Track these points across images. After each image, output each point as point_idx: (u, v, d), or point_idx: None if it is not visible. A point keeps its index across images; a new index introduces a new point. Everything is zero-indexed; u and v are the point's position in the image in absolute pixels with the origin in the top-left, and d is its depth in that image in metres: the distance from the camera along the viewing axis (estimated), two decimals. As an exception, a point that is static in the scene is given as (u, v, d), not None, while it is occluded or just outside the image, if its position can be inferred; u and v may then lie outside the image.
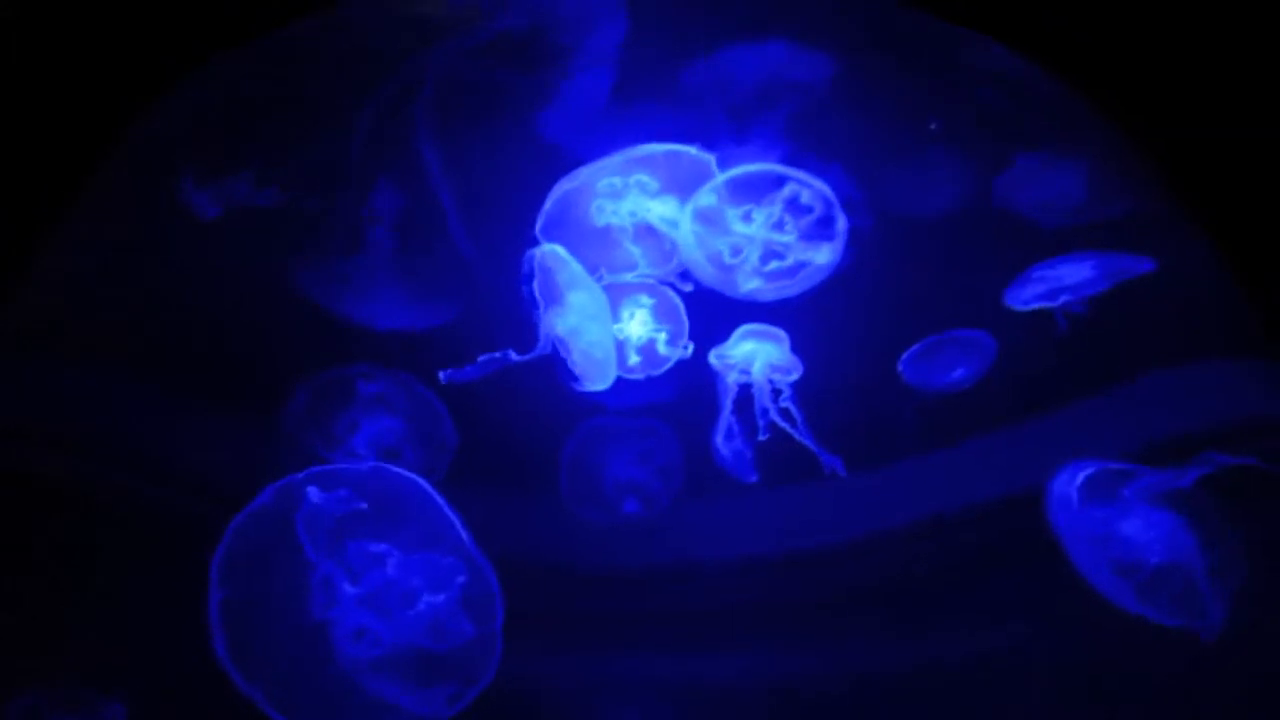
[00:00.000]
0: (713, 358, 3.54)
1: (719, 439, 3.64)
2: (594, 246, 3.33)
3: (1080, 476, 3.38)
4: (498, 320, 3.41)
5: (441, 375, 3.30)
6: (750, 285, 3.35)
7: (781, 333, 3.56)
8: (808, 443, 3.54)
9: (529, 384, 3.38)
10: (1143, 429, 3.44)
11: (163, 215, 3.09)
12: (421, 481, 2.93)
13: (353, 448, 3.54)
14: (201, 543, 2.79)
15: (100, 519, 3.23)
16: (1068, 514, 3.40)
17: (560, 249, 3.25)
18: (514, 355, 3.30)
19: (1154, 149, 3.18)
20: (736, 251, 3.30)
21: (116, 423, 3.31)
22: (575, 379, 3.42)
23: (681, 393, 3.64)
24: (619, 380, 3.50)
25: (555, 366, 3.39)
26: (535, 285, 3.29)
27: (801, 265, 3.35)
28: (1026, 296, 3.37)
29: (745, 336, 3.57)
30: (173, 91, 2.78)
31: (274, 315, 3.38)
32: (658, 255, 3.37)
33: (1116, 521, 3.33)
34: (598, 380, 3.45)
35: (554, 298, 3.31)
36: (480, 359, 3.28)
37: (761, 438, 3.52)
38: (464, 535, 2.92)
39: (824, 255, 3.35)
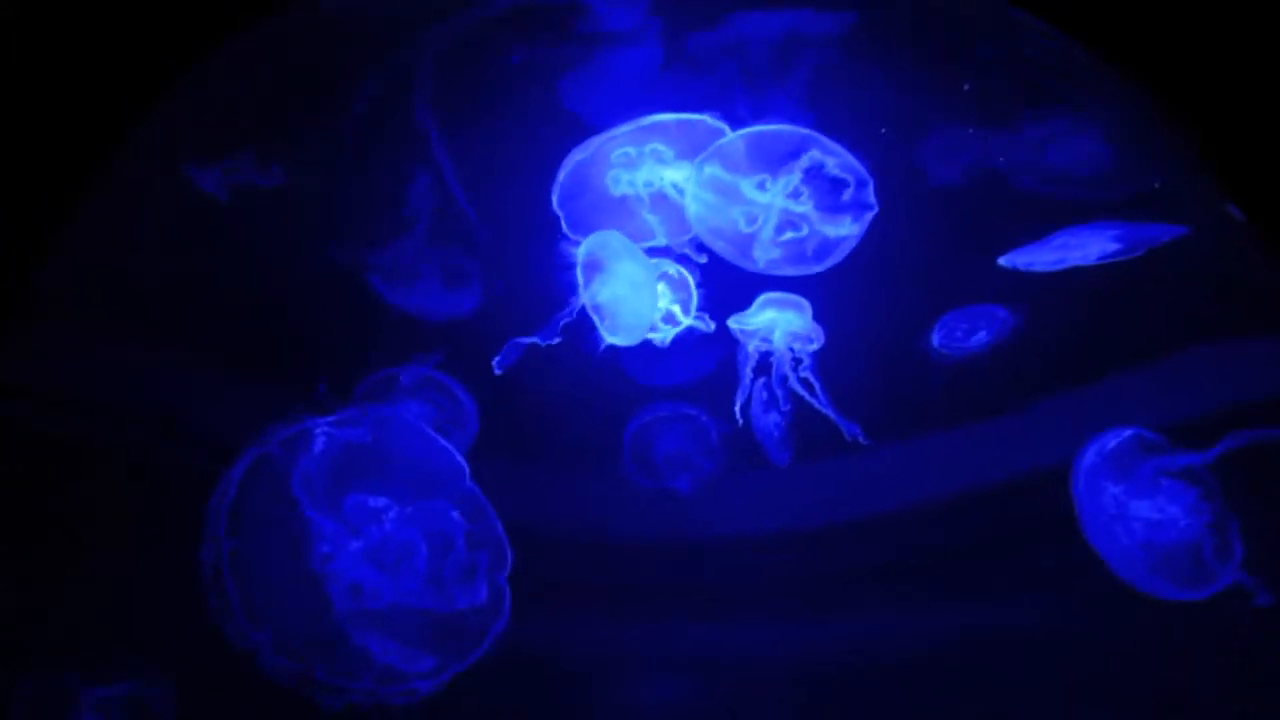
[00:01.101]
0: (732, 325, 3.52)
1: (751, 412, 3.63)
2: (610, 216, 3.32)
3: (1106, 449, 3.33)
4: (521, 295, 3.43)
5: (495, 364, 3.36)
6: (768, 257, 3.31)
7: (803, 301, 3.52)
8: (827, 411, 3.52)
9: (563, 361, 3.42)
10: (1171, 404, 3.38)
11: (173, 197, 3.13)
12: (426, 429, 2.98)
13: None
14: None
15: (121, 480, 3.33)
16: (1091, 487, 3.36)
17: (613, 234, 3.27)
18: (547, 332, 3.33)
19: (1185, 118, 3.08)
20: (752, 220, 3.26)
21: (140, 389, 3.40)
22: (608, 347, 3.42)
23: (711, 368, 3.63)
24: (654, 355, 3.50)
25: (589, 340, 3.39)
26: (579, 254, 3.30)
27: (821, 237, 3.31)
28: (1047, 260, 3.30)
29: (766, 304, 3.54)
30: (184, 72, 2.80)
31: (291, 291, 3.43)
32: (675, 225, 3.34)
33: (1139, 496, 3.27)
34: (630, 338, 3.45)
35: (599, 267, 3.31)
36: (518, 339, 3.33)
37: (782, 408, 3.50)
38: (470, 486, 2.97)
39: (845, 227, 3.30)
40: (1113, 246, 3.22)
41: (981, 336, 3.45)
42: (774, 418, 3.62)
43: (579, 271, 3.31)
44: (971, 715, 3.66)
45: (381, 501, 2.89)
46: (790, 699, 3.80)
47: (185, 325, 3.45)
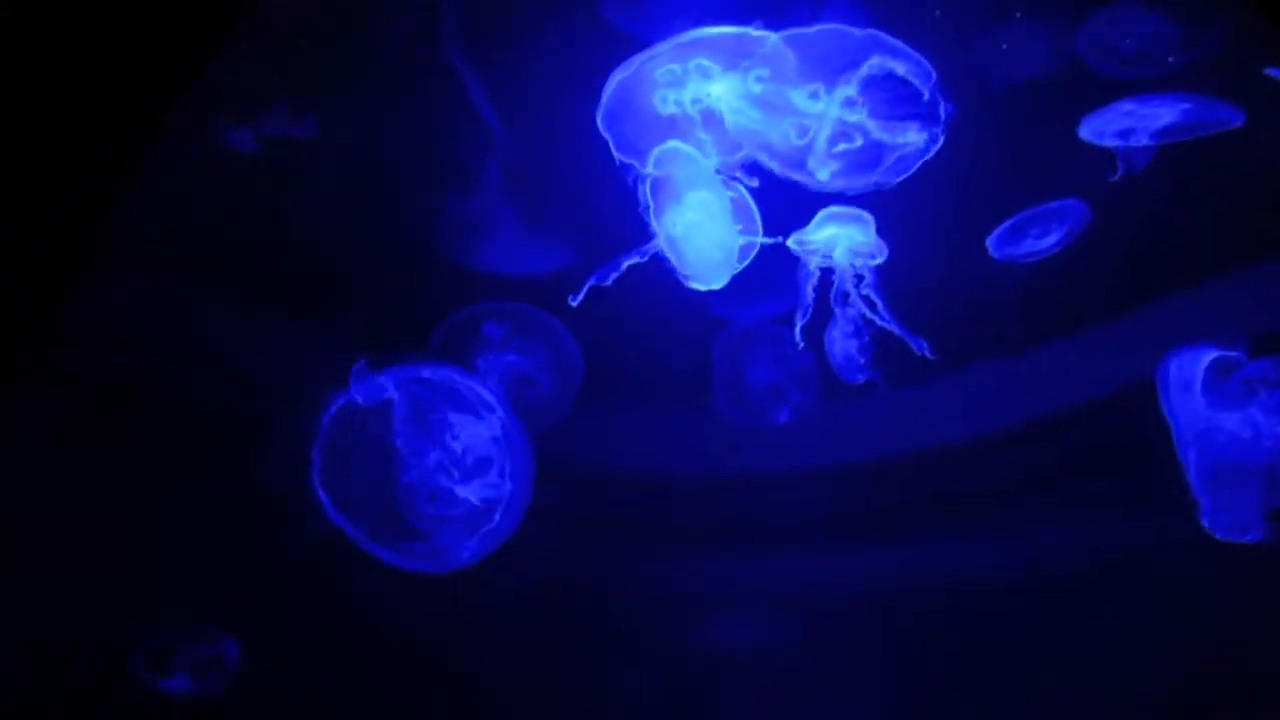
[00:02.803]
0: (792, 243, 3.42)
1: (827, 337, 3.55)
2: (661, 138, 3.23)
3: (1191, 363, 3.16)
4: (588, 234, 3.41)
5: (571, 299, 3.35)
6: (825, 172, 3.18)
7: (866, 214, 3.40)
8: (892, 327, 3.42)
9: (645, 298, 3.39)
10: (1249, 319, 3.21)
11: (221, 152, 3.16)
12: (467, 373, 3.28)
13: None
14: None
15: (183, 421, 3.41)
16: (1179, 399, 3.20)
17: (681, 145, 3.18)
18: (623, 264, 3.30)
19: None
20: (804, 132, 3.12)
21: (211, 338, 3.47)
22: (686, 280, 3.36)
23: (788, 294, 3.55)
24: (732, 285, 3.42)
25: (666, 276, 3.34)
26: (648, 185, 3.23)
27: (884, 148, 3.16)
28: (1106, 130, 3.11)
29: (827, 220, 3.43)
30: (227, 29, 2.79)
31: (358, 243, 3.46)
32: (726, 143, 3.24)
33: (1223, 412, 3.11)
34: (713, 280, 3.38)
35: (672, 196, 3.24)
36: (594, 276, 3.31)
37: (861, 333, 3.40)
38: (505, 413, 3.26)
39: (912, 135, 3.13)
40: (1181, 118, 3.02)
41: (1053, 239, 3.30)
42: (852, 344, 3.54)
43: (647, 188, 3.23)
44: (1042, 645, 3.59)
45: (463, 418, 3.19)
46: (859, 631, 3.76)
47: (250, 276, 3.50)
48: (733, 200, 3.35)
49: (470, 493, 3.18)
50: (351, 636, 3.53)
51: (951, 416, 3.74)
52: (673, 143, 3.19)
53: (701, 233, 3.28)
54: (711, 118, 3.22)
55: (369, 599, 3.37)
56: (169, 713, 3.45)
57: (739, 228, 3.36)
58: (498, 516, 3.24)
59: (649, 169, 3.21)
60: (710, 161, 3.25)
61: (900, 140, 3.13)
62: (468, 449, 3.20)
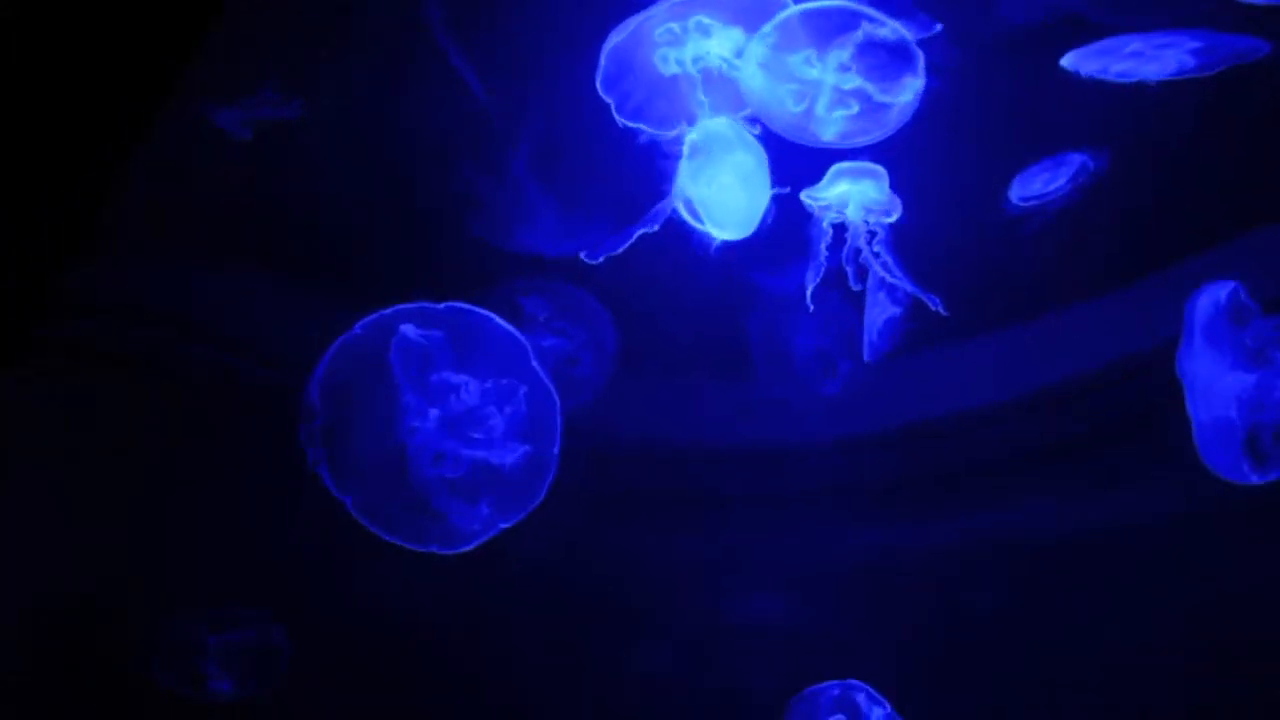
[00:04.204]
0: (804, 199, 3.37)
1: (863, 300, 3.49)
2: (665, 98, 3.20)
3: (1206, 314, 3.05)
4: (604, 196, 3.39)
5: (585, 255, 3.35)
6: (830, 132, 3.14)
7: (879, 169, 3.35)
8: (906, 285, 3.36)
9: (681, 271, 3.38)
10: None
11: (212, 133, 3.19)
12: (496, 317, 3.12)
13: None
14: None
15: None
16: (1197, 344, 3.11)
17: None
18: (644, 225, 3.28)
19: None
20: (801, 98, 3.09)
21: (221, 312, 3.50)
22: (710, 242, 3.34)
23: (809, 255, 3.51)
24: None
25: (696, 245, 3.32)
26: (685, 147, 3.20)
27: (883, 106, 3.11)
28: (1117, 69, 3.02)
29: (839, 176, 3.38)
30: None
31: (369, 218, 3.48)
32: (727, 102, 3.21)
33: (1233, 370, 3.00)
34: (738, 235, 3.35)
35: (706, 159, 3.22)
36: (617, 235, 3.30)
37: (855, 287, 3.35)
38: (535, 365, 3.12)
39: (908, 93, 3.09)
40: (1190, 61, 2.93)
41: (1062, 184, 3.23)
42: (882, 307, 3.49)
43: (682, 163, 3.21)
44: (1087, 608, 3.52)
45: (462, 378, 3.07)
46: (879, 602, 3.71)
47: (263, 251, 3.53)
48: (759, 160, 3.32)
49: (492, 456, 3.11)
50: (366, 614, 3.55)
51: (972, 383, 3.68)
52: (704, 105, 3.18)
53: (734, 194, 3.26)
54: (712, 76, 3.18)
55: (382, 576, 3.38)
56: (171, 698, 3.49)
57: (770, 190, 3.34)
58: (518, 488, 3.19)
59: (679, 132, 3.20)
60: (739, 123, 3.22)
61: (899, 98, 3.08)
62: (490, 410, 3.11)
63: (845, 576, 3.73)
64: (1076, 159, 3.20)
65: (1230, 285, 2.87)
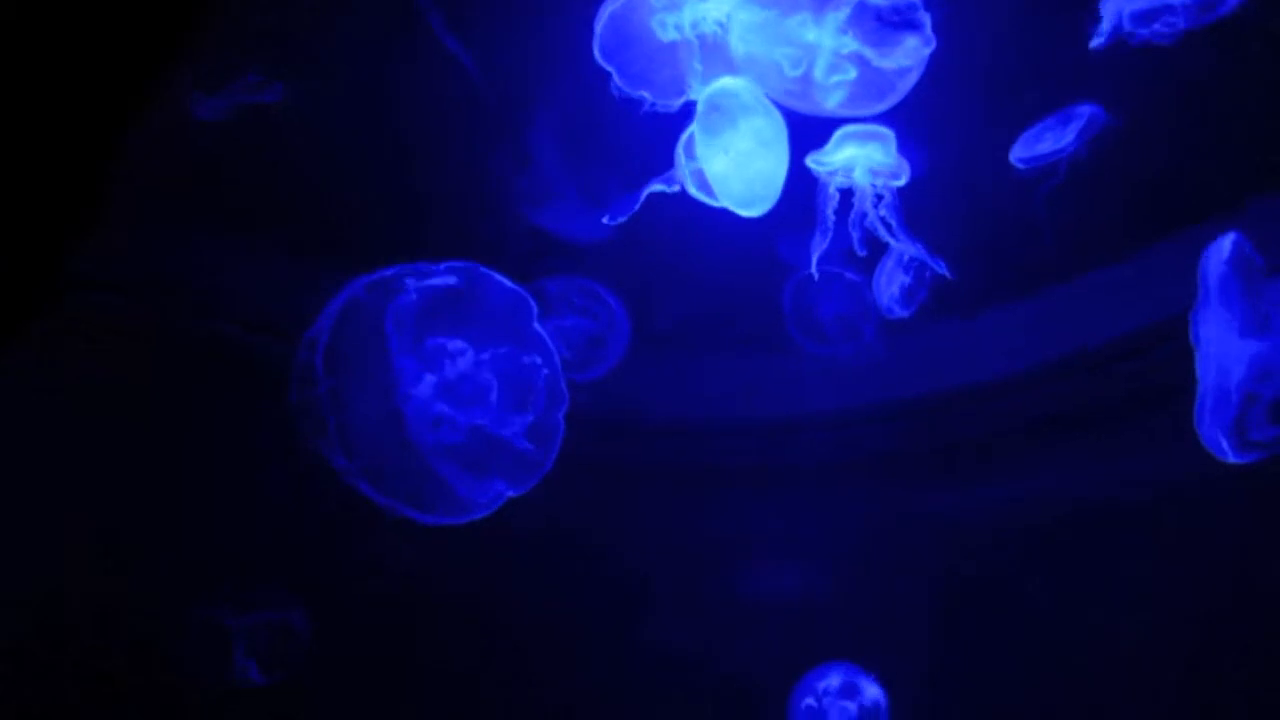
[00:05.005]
0: (810, 164, 3.32)
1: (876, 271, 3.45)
2: (657, 66, 3.15)
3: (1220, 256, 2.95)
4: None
5: (604, 219, 3.32)
6: (832, 100, 3.07)
7: (886, 131, 3.28)
8: (915, 250, 3.30)
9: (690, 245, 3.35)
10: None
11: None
12: (504, 279, 3.04)
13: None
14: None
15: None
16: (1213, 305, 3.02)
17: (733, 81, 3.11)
18: (658, 186, 3.24)
19: None
20: (798, 63, 3.02)
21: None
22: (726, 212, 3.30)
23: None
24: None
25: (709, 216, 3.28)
26: (699, 115, 3.16)
27: (883, 71, 3.04)
28: (1125, 11, 2.92)
29: (845, 140, 3.32)
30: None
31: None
32: (727, 68, 3.15)
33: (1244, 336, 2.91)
34: (756, 209, 3.31)
35: (722, 127, 3.17)
36: (628, 197, 3.27)
37: (861, 253, 3.29)
38: (540, 330, 3.05)
39: (909, 54, 3.01)
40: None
41: (1070, 139, 3.15)
42: (899, 278, 3.44)
43: (698, 118, 3.16)
44: (1094, 578, 3.47)
45: (459, 344, 3.01)
46: (900, 574, 3.68)
47: (266, 224, 3.54)
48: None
49: (501, 428, 3.06)
50: (377, 585, 3.56)
51: (989, 352, 3.63)
52: (702, 72, 3.13)
53: (752, 163, 3.21)
54: (710, 44, 3.13)
55: (392, 547, 3.39)
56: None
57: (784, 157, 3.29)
58: (529, 457, 3.15)
59: (685, 99, 3.15)
60: (757, 88, 3.16)
61: (899, 62, 3.02)
62: (488, 377, 3.04)
63: (858, 548, 3.70)
64: (1085, 111, 3.12)
65: (1232, 236, 2.76)
